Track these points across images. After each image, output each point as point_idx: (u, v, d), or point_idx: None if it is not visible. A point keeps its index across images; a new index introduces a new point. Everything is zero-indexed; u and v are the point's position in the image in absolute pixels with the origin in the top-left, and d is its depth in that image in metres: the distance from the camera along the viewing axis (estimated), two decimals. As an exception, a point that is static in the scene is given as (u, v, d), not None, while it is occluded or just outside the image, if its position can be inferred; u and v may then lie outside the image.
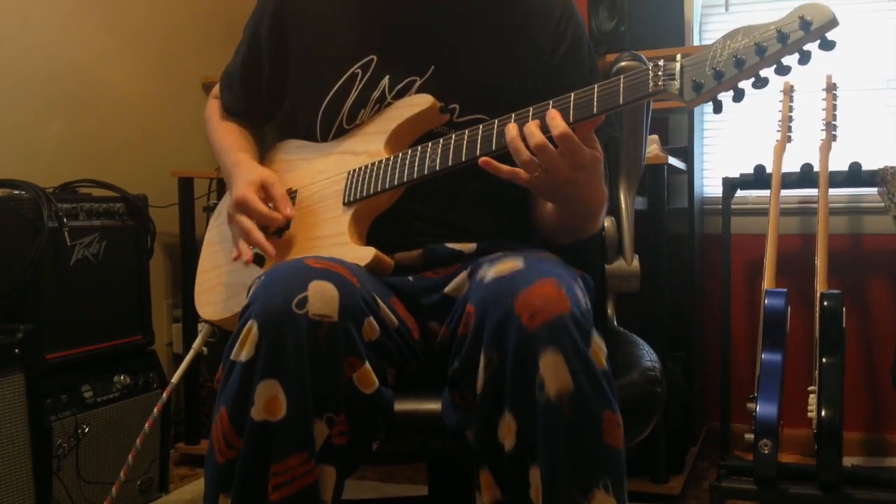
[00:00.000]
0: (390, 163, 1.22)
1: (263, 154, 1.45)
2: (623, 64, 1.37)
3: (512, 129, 1.08)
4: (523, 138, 1.07)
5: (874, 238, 2.55)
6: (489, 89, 1.29)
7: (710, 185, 2.71)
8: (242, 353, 0.98)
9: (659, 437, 2.17)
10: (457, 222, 1.27)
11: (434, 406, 1.08)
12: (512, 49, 1.30)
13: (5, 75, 2.13)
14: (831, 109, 2.31)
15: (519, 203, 1.34)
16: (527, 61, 1.30)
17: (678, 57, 1.03)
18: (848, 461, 2.20)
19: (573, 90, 1.07)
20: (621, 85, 1.03)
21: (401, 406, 1.08)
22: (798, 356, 2.43)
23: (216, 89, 1.51)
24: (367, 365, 1.02)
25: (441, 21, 1.30)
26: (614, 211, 1.44)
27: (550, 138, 1.05)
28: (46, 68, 2.25)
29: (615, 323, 1.44)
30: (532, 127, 1.06)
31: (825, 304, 2.03)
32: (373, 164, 1.24)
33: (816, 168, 2.28)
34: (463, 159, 1.15)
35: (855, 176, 2.28)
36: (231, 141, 1.41)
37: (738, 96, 1.00)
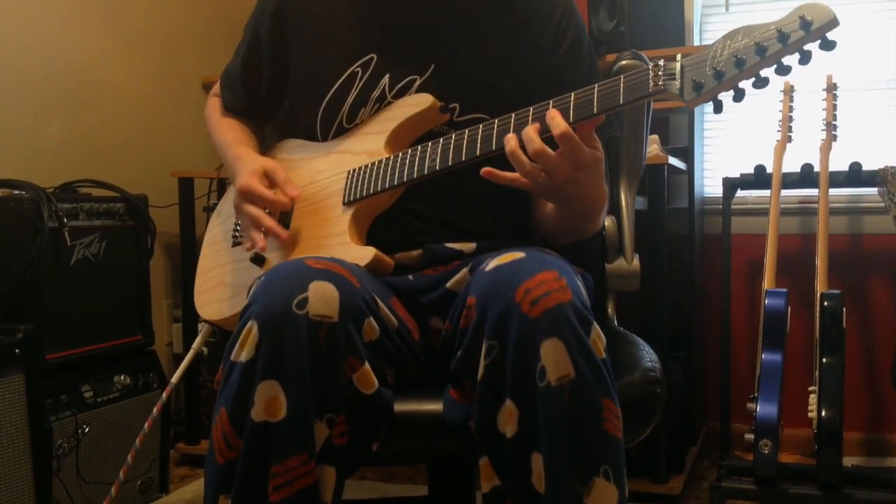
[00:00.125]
0: (390, 162, 1.22)
1: (264, 153, 1.45)
2: (624, 63, 1.37)
3: (511, 141, 1.07)
4: (522, 147, 1.07)
5: (874, 238, 2.55)
6: (489, 89, 1.29)
7: (710, 185, 2.71)
8: (242, 353, 0.98)
9: (659, 438, 2.17)
10: (457, 222, 1.27)
11: (434, 406, 1.08)
12: (512, 49, 1.30)
13: (5, 75, 2.13)
14: (831, 109, 2.31)
15: (519, 203, 1.34)
16: (527, 61, 1.30)
17: (678, 57, 1.03)
18: (848, 461, 2.20)
19: (573, 90, 1.07)
20: (621, 85, 1.03)
21: (401, 406, 1.08)
22: (798, 356, 2.43)
23: (216, 87, 1.51)
24: (367, 365, 1.02)
25: (441, 20, 1.30)
26: (615, 210, 1.44)
27: (550, 138, 1.05)
28: (46, 68, 2.25)
29: (615, 323, 1.44)
30: (531, 132, 1.06)
31: (825, 304, 2.03)
32: (373, 164, 1.24)
33: (817, 168, 2.28)
34: (463, 159, 1.15)
35: (855, 176, 2.28)
36: (232, 137, 1.42)
37: (739, 96, 1.00)
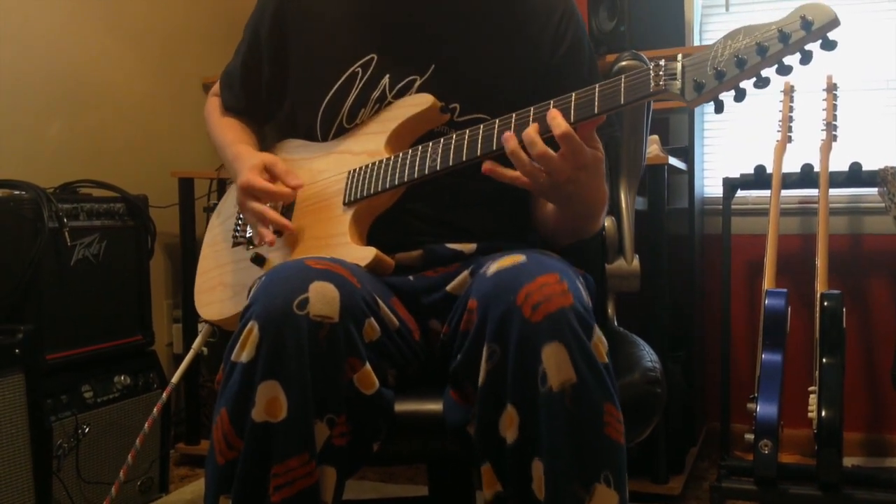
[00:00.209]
0: (390, 163, 1.22)
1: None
2: (624, 63, 1.37)
3: (511, 141, 1.07)
4: (523, 147, 1.07)
5: (874, 238, 2.55)
6: (489, 89, 1.29)
7: (710, 185, 2.71)
8: (243, 354, 0.98)
9: (659, 438, 2.17)
10: (457, 222, 1.27)
11: (434, 407, 1.08)
12: (512, 48, 1.30)
13: (5, 75, 2.13)
14: (832, 110, 2.31)
15: (519, 203, 1.33)
16: (527, 61, 1.30)
17: (679, 57, 1.02)
18: (848, 461, 2.20)
19: (573, 90, 1.07)
20: (622, 85, 1.03)
21: (401, 407, 1.08)
22: (798, 356, 2.43)
23: (216, 87, 1.51)
24: (368, 366, 1.02)
25: (441, 20, 1.30)
26: (614, 211, 1.44)
27: (551, 138, 1.05)
28: (47, 68, 2.25)
29: (615, 323, 1.44)
30: (532, 134, 1.05)
31: (825, 304, 2.03)
32: (373, 164, 1.24)
33: (817, 168, 2.28)
34: (463, 159, 1.15)
35: (855, 176, 2.28)
36: (231, 136, 1.41)
37: (740, 96, 1.00)
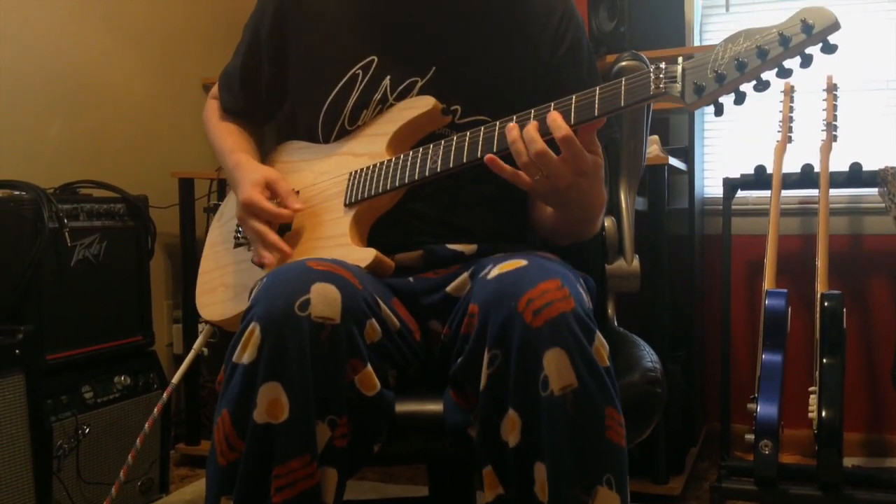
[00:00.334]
0: (391, 164, 1.22)
1: (265, 156, 1.45)
2: (624, 64, 1.37)
3: (513, 131, 1.08)
4: (524, 142, 1.07)
5: (875, 238, 2.55)
6: (490, 90, 1.29)
7: (710, 185, 2.71)
8: (245, 355, 0.98)
9: (659, 438, 2.17)
10: (457, 223, 1.27)
11: (435, 407, 1.08)
12: (512, 49, 1.30)
13: (5, 76, 2.13)
14: (832, 110, 2.31)
15: (519, 204, 1.34)
16: (527, 61, 1.30)
17: (680, 59, 1.03)
18: (848, 462, 2.20)
19: (573, 91, 1.08)
20: (623, 87, 1.03)
21: (402, 407, 1.08)
22: (798, 357, 2.44)
23: (215, 89, 1.51)
24: (370, 367, 1.02)
25: (441, 21, 1.30)
26: (614, 211, 1.44)
27: (551, 140, 1.05)
28: (47, 69, 2.25)
29: (615, 323, 1.44)
30: (532, 133, 1.06)
31: (826, 304, 2.03)
32: (374, 166, 1.24)
33: (817, 168, 2.28)
34: (464, 161, 1.15)
35: (855, 176, 2.28)
36: (231, 142, 1.41)
37: (740, 99, 1.00)
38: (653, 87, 1.01)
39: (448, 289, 1.19)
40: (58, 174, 2.16)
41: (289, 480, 0.95)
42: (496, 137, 1.12)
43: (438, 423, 1.06)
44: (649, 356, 1.20)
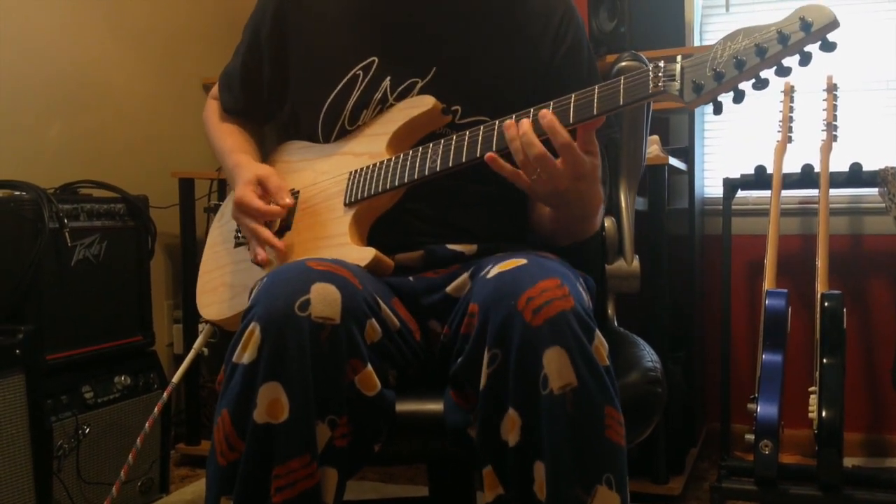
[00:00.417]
0: (391, 164, 1.22)
1: (266, 156, 1.45)
2: (624, 64, 1.37)
3: (511, 129, 1.08)
4: (522, 145, 1.07)
5: (875, 239, 2.55)
6: (490, 90, 1.29)
7: (710, 185, 2.71)
8: (245, 355, 0.98)
9: (659, 438, 2.17)
10: (457, 223, 1.27)
11: (435, 407, 1.08)
12: (512, 49, 1.30)
13: (6, 76, 2.13)
14: (832, 110, 2.31)
15: (519, 204, 1.34)
16: (527, 61, 1.30)
17: (678, 58, 1.03)
18: (848, 462, 2.20)
19: (573, 91, 1.08)
20: (621, 86, 1.03)
21: (401, 407, 1.08)
22: (799, 357, 2.43)
23: (215, 90, 1.51)
24: (370, 367, 1.02)
25: (441, 21, 1.30)
26: (614, 211, 1.44)
27: (548, 141, 1.05)
28: (47, 69, 2.25)
29: (615, 323, 1.44)
30: (531, 136, 1.06)
31: (826, 304, 2.03)
32: (374, 165, 1.24)
33: (817, 168, 2.28)
34: (463, 160, 1.15)
35: (855, 176, 2.28)
36: (231, 143, 1.41)
37: (739, 97, 1.00)
38: (651, 85, 1.01)
39: (448, 289, 1.19)
40: (58, 174, 2.16)
41: (289, 480, 0.95)
42: (495, 136, 1.12)
43: (438, 423, 1.06)
44: (649, 356, 1.20)
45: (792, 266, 2.53)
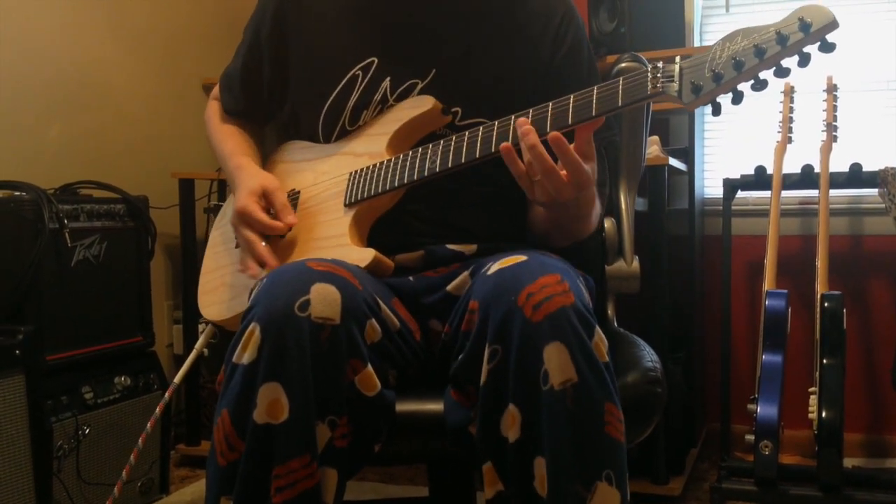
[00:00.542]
0: (391, 164, 1.22)
1: (267, 156, 1.45)
2: (623, 65, 1.37)
3: (523, 126, 1.06)
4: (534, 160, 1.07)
5: (875, 239, 2.55)
6: (489, 91, 1.29)
7: (710, 185, 2.71)
8: (245, 355, 0.98)
9: (659, 438, 2.17)
10: (457, 223, 1.27)
11: (435, 407, 1.08)
12: (512, 50, 1.30)
13: (6, 77, 2.13)
14: (832, 110, 2.32)
15: (519, 204, 1.34)
16: (527, 61, 1.30)
17: (677, 59, 1.03)
18: (848, 462, 2.20)
19: (573, 91, 1.08)
20: (620, 87, 1.03)
21: (402, 407, 1.08)
22: (799, 357, 2.43)
23: (216, 90, 1.51)
24: (370, 367, 1.02)
25: (441, 21, 1.30)
26: (614, 212, 1.44)
27: (545, 141, 1.05)
28: (48, 70, 2.25)
29: (615, 324, 1.44)
30: (540, 150, 1.05)
31: (826, 305, 2.03)
32: (374, 166, 1.24)
33: (817, 169, 2.28)
34: (463, 160, 1.15)
35: (855, 177, 2.28)
36: (232, 145, 1.41)
37: (737, 98, 1.00)
38: (650, 86, 1.01)
39: (448, 288, 1.19)
40: (58, 175, 2.16)
41: (289, 481, 0.95)
42: (495, 137, 1.12)
43: (438, 423, 1.06)
44: (649, 356, 1.20)
45: (792, 266, 2.53)
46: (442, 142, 1.18)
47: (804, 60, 0.96)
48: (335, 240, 1.23)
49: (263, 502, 0.96)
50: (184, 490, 2.30)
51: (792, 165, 2.31)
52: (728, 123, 2.73)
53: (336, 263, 1.08)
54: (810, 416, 1.97)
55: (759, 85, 0.98)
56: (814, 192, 2.34)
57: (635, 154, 1.44)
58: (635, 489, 2.12)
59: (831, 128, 2.30)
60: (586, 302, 1.02)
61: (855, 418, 2.50)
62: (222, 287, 1.38)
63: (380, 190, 1.22)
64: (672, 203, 2.48)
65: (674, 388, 2.21)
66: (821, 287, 2.13)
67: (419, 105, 1.26)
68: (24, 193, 1.86)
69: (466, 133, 1.16)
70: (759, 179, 2.34)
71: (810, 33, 0.94)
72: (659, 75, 1.01)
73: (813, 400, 1.99)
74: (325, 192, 1.30)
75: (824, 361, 2.00)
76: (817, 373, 2.01)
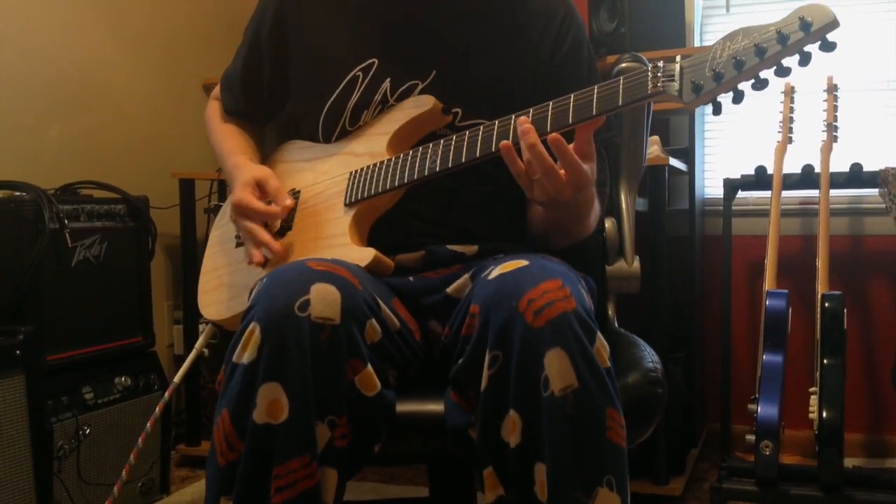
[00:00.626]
0: (391, 164, 1.22)
1: (267, 156, 1.45)
2: (624, 65, 1.37)
3: (531, 135, 1.06)
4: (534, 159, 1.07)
5: (875, 239, 2.55)
6: (490, 91, 1.29)
7: (710, 186, 2.71)
8: (245, 355, 0.98)
9: (659, 439, 2.17)
10: (457, 223, 1.27)
11: (435, 407, 1.08)
12: (513, 50, 1.30)
13: (7, 77, 2.13)
14: (832, 110, 2.31)
15: (519, 204, 1.34)
16: (527, 61, 1.30)
17: (678, 58, 1.02)
18: (849, 462, 2.20)
19: (573, 91, 1.07)
20: (620, 86, 1.03)
21: (402, 407, 1.08)
22: (799, 357, 2.43)
23: (216, 90, 1.51)
24: (370, 367, 1.02)
25: (441, 21, 1.30)
26: (615, 212, 1.44)
27: (544, 141, 1.05)
28: (48, 70, 2.25)
29: (616, 324, 1.44)
30: (540, 150, 1.05)
31: (826, 305, 2.03)
32: (374, 166, 1.24)
33: (817, 169, 2.28)
34: (463, 160, 1.15)
35: (856, 177, 2.28)
36: (232, 144, 1.42)
37: (738, 98, 1.00)
38: (650, 85, 1.01)
39: (448, 290, 1.19)
40: (58, 175, 2.16)
41: (288, 481, 0.95)
42: (495, 137, 1.12)
43: (439, 424, 1.06)
44: (650, 357, 1.19)
45: (792, 266, 2.52)
46: (442, 141, 1.18)
47: (805, 59, 0.96)
48: (335, 239, 1.23)
49: (263, 502, 0.96)
50: (184, 490, 2.30)
51: (792, 165, 2.31)
52: (728, 123, 2.73)
53: (336, 263, 1.07)
54: (811, 416, 1.97)
55: (760, 84, 0.98)
56: (814, 192, 2.34)
57: (636, 154, 1.43)
58: (636, 489, 2.12)
59: (832, 128, 2.30)
60: (588, 307, 1.02)
61: (855, 418, 2.50)
62: (222, 287, 1.38)
63: (380, 189, 1.22)
64: (672, 203, 2.48)
65: (674, 388, 2.21)
66: (821, 287, 2.13)
67: (420, 105, 1.26)
68: (24, 193, 1.86)
69: (467, 133, 1.16)
70: (760, 179, 2.34)
71: (811, 32, 0.94)
72: (659, 74, 1.01)
73: (813, 400, 1.99)
74: (325, 191, 1.30)
75: (825, 361, 2.00)
76: (818, 373, 2.01)
